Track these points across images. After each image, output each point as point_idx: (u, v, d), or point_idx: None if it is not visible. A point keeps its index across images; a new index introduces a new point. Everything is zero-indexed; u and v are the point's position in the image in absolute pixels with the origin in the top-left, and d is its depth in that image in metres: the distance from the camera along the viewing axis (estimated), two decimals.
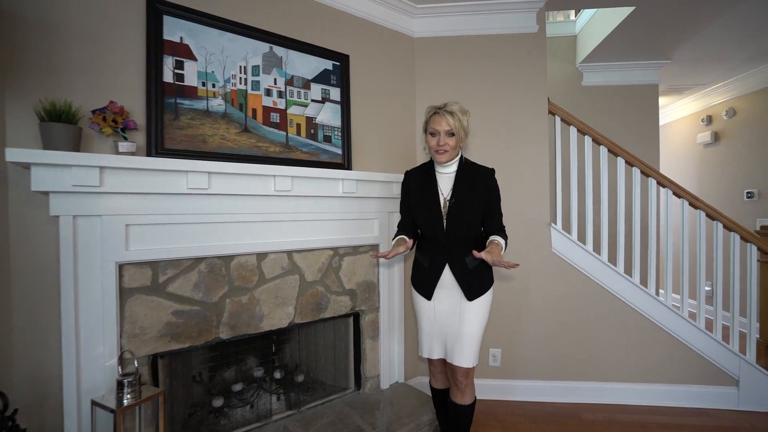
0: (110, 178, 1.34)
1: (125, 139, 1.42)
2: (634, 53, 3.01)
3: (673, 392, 2.28)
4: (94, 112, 1.36)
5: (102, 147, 1.43)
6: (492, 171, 1.60)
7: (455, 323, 1.56)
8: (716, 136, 3.90)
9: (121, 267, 1.42)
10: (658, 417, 2.17)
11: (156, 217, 1.48)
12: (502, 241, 1.52)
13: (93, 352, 1.36)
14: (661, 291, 2.47)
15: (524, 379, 2.37)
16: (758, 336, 2.30)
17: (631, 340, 2.30)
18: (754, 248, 2.25)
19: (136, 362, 1.33)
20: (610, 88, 3.23)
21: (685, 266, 2.31)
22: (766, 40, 2.85)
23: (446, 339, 1.59)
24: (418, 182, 1.63)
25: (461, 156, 1.62)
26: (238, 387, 1.98)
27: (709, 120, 3.99)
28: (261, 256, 1.77)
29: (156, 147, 1.51)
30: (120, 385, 1.26)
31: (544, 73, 2.33)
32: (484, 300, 1.57)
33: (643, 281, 2.37)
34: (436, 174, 1.61)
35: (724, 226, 2.26)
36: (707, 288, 3.79)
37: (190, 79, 1.61)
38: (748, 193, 3.54)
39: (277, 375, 2.11)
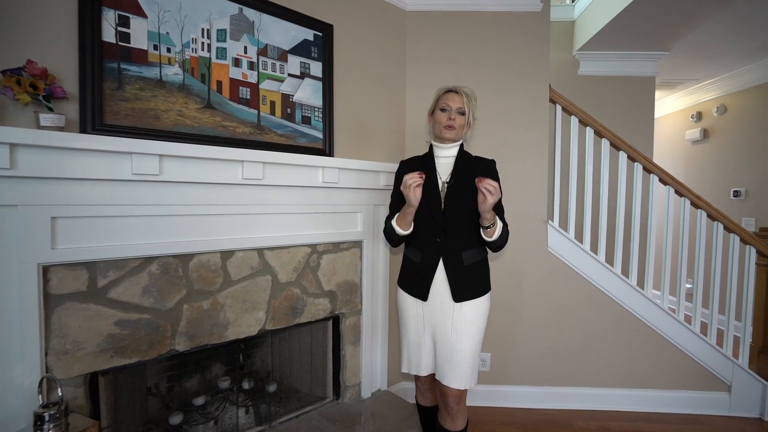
0: (27, 158, 1.06)
1: (50, 110, 1.14)
2: (635, 43, 2.85)
3: (665, 398, 2.20)
4: (4, 72, 1.06)
5: (19, 119, 1.14)
6: (493, 161, 1.49)
7: (447, 335, 1.37)
8: (705, 133, 3.84)
9: (46, 269, 1.15)
10: (650, 425, 2.08)
11: (92, 208, 1.21)
12: (499, 223, 1.35)
13: (7, 374, 1.09)
14: (657, 292, 2.37)
15: (515, 385, 2.23)
16: (751, 340, 2.23)
17: (626, 344, 2.20)
18: (753, 250, 2.16)
19: (60, 390, 1.07)
20: (607, 79, 3.08)
21: (683, 267, 2.21)
22: None
23: (436, 353, 1.41)
24: (415, 168, 1.47)
25: (462, 144, 1.48)
26: (200, 400, 1.75)
27: (699, 116, 3.93)
28: (226, 254, 1.53)
29: (93, 122, 1.23)
30: (39, 419, 1.01)
31: (546, 57, 2.13)
32: (479, 309, 1.39)
33: (640, 283, 2.26)
34: (435, 159, 1.48)
35: (725, 227, 2.16)
36: (688, 285, 3.79)
37: (139, 40, 1.32)
38: (734, 191, 3.51)
39: (246, 385, 1.88)
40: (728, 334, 2.20)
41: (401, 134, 2.19)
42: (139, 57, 1.32)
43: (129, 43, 1.30)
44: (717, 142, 3.74)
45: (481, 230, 1.34)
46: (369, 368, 2.03)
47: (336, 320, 1.94)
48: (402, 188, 1.29)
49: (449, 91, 1.44)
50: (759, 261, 2.19)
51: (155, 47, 1.36)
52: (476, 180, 1.21)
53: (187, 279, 1.44)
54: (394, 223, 1.42)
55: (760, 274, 2.20)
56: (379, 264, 2.03)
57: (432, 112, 1.48)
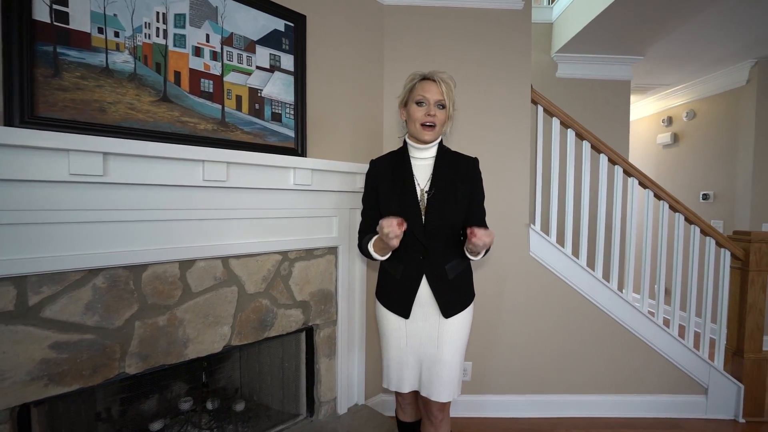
0: None
1: None
2: (610, 47, 2.87)
3: (646, 403, 2.19)
4: None
5: None
6: (476, 160, 1.36)
7: (432, 348, 1.28)
8: (675, 137, 3.94)
9: None
10: (632, 431, 2.06)
11: (20, 214, 1.03)
12: None
13: None
14: (636, 295, 2.37)
15: (496, 394, 2.16)
16: (726, 342, 2.26)
17: (608, 349, 2.17)
18: (728, 253, 2.18)
19: None
20: (585, 82, 3.09)
21: (662, 270, 2.21)
22: (746, 39, 2.81)
23: (421, 367, 1.31)
24: (389, 171, 1.33)
25: (441, 141, 1.35)
26: (158, 425, 1.58)
27: (670, 121, 4.03)
28: (186, 264, 1.37)
29: (21, 113, 1.06)
30: None
31: (528, 57, 2.08)
32: (465, 319, 1.31)
33: (620, 287, 2.24)
34: (411, 160, 1.32)
35: (701, 231, 2.17)
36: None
37: (79, 21, 1.16)
38: (703, 194, 3.61)
39: (210, 405, 1.73)
40: (704, 337, 2.21)
41: (378, 133, 2.09)
42: (81, 40, 1.16)
43: (68, 24, 1.13)
44: (687, 146, 3.84)
45: (466, 251, 1.24)
46: (345, 382, 1.91)
47: (309, 332, 1.81)
48: (378, 229, 1.12)
49: (425, 78, 1.26)
50: (733, 264, 2.21)
51: (100, 30, 1.19)
52: (468, 231, 1.09)
53: (139, 293, 1.28)
54: (371, 248, 1.27)
55: (734, 277, 2.22)
56: (355, 271, 1.91)
57: (405, 104, 1.31)
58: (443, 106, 1.25)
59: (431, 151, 1.32)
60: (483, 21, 2.06)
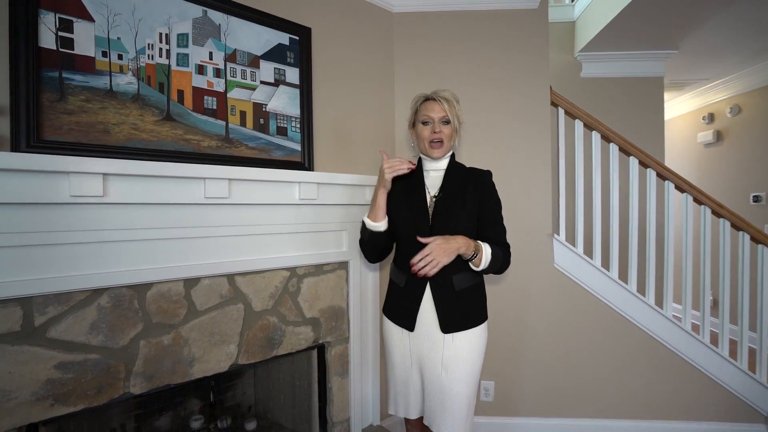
0: None
1: None
2: (639, 41, 2.69)
3: (691, 431, 1.96)
4: None
5: None
6: (488, 172, 1.35)
7: (436, 372, 1.19)
8: (719, 135, 3.64)
9: None
10: None
11: (25, 236, 1.05)
12: (487, 248, 1.17)
13: None
14: (677, 306, 2.15)
15: (521, 417, 2.02)
16: None
17: (647, 369, 1.98)
18: None
19: None
20: (612, 81, 2.91)
21: (707, 283, 2.00)
22: None
23: (424, 393, 1.22)
24: (402, 182, 1.36)
25: (452, 154, 1.36)
26: None
27: (711, 118, 3.73)
28: (191, 282, 1.36)
29: (28, 138, 1.09)
30: None
31: (545, 57, 1.97)
32: (474, 344, 1.21)
33: (658, 301, 2.04)
34: (424, 172, 1.36)
35: (752, 238, 1.95)
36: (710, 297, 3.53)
37: (84, 46, 1.18)
38: (754, 196, 3.29)
39: (221, 424, 1.71)
40: (762, 358, 1.97)
41: (390, 144, 2.03)
42: (85, 65, 1.19)
43: (72, 49, 1.16)
44: (732, 144, 3.53)
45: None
46: (359, 402, 1.84)
47: (321, 350, 1.76)
48: (381, 168, 1.20)
49: (427, 99, 1.31)
50: None
51: (104, 54, 1.22)
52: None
53: (143, 312, 1.27)
54: (365, 217, 1.31)
55: None
56: (367, 286, 1.85)
57: (413, 125, 1.36)
58: (448, 122, 1.29)
59: (443, 163, 1.35)
60: (497, 23, 1.98)
